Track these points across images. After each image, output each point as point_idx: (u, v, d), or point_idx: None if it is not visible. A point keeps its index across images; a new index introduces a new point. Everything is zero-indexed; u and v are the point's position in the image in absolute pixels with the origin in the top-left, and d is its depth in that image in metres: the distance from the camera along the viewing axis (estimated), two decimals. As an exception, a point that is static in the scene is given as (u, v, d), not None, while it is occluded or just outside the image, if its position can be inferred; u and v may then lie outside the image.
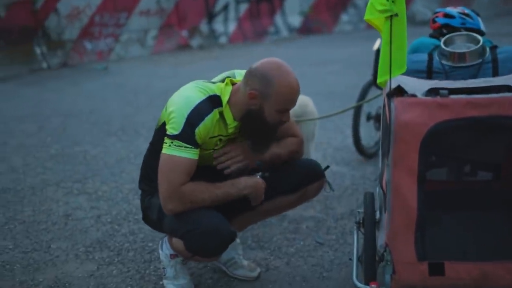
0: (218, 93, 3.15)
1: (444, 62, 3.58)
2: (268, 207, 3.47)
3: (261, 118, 3.11)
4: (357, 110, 5.52)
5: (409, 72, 3.57)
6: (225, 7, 13.72)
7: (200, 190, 3.08)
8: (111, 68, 10.59)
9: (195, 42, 13.01)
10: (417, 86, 3.02)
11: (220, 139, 3.20)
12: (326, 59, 11.33)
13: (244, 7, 14.03)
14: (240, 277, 3.63)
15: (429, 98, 2.68)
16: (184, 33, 12.88)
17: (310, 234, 4.19)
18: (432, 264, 2.71)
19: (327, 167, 3.57)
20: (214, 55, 12.03)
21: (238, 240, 3.71)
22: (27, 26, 10.40)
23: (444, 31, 4.10)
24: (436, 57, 3.64)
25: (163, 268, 3.45)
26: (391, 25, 2.61)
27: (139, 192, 3.47)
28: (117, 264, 3.83)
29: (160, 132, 3.17)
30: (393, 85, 2.82)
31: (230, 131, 3.19)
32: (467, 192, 3.20)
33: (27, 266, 3.82)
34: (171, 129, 3.06)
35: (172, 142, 3.05)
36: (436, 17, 4.20)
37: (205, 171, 3.18)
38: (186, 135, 3.03)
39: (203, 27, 13.32)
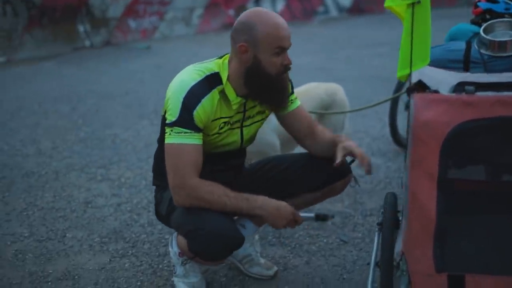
0: (216, 70, 2.95)
1: (483, 51, 3.32)
2: (291, 203, 3.26)
3: (262, 71, 2.88)
4: (395, 98, 5.24)
5: (445, 62, 3.33)
6: (274, -15, 13.48)
7: (209, 190, 2.87)
8: (153, 47, 10.49)
9: (241, 21, 12.80)
10: (445, 79, 2.76)
11: (225, 122, 3.00)
12: (374, 41, 10.99)
13: (293, -15, 13.75)
14: (255, 275, 3.45)
15: (453, 95, 2.42)
16: (231, 12, 12.69)
17: (335, 231, 3.97)
18: (451, 277, 2.46)
19: (353, 160, 3.33)
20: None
21: (257, 237, 3.53)
22: (71, 4, 10.35)
23: (488, 16, 3.81)
24: (474, 45, 3.38)
25: (173, 265, 3.28)
26: (413, 13, 2.35)
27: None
28: (131, 257, 3.69)
29: (163, 122, 2.99)
30: (416, 79, 2.57)
31: (234, 107, 2.98)
32: (499, 194, 2.92)
33: (39, 256, 3.71)
34: (169, 116, 2.88)
35: (171, 130, 2.87)
36: (479, 1, 3.91)
37: (219, 178, 2.99)
38: (184, 120, 2.85)
39: (251, 5, 13.09)
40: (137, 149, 5.52)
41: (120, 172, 4.99)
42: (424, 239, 2.46)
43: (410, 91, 2.48)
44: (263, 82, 2.90)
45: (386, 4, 2.47)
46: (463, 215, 2.52)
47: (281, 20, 2.88)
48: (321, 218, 3.10)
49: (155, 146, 3.27)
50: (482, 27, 3.37)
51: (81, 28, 10.48)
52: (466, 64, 3.36)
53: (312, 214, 3.09)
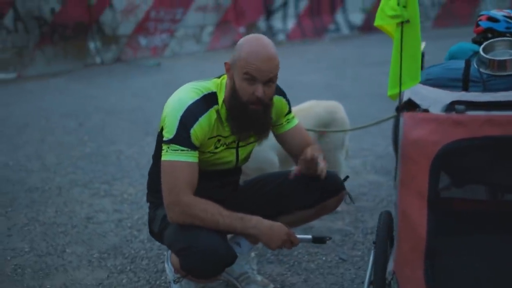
0: (214, 90, 2.97)
1: (482, 70, 3.30)
2: (285, 221, 3.25)
3: (236, 94, 2.88)
4: (399, 115, 5.22)
5: (444, 80, 3.32)
6: (285, 3, 13.54)
7: (203, 208, 2.87)
8: (163, 64, 10.55)
9: (252, 39, 12.85)
10: (439, 98, 2.76)
11: (219, 140, 3.01)
12: (383, 59, 10.93)
13: (304, 3, 13.81)
14: (252, 293, 3.44)
15: (442, 114, 2.42)
16: (241, 29, 12.75)
17: (334, 249, 3.95)
18: (442, 296, 2.45)
19: (346, 177, 3.33)
20: (271, 52, 11.83)
21: (253, 254, 3.52)
22: (82, 21, 10.46)
23: (489, 35, 3.81)
24: (474, 64, 3.37)
25: (169, 282, 3.28)
26: (402, 32, 2.36)
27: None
28: (129, 273, 3.69)
29: (159, 139, 3.01)
30: (407, 97, 2.57)
31: (227, 129, 2.99)
32: (490, 214, 2.90)
33: (38, 271, 3.72)
34: (166, 134, 2.90)
35: (168, 147, 2.88)
36: (480, 20, 3.91)
37: (214, 195, 3.00)
38: (181, 138, 2.86)
39: (261, 23, 13.18)
40: (140, 165, 5.54)
41: (123, 188, 5.01)
42: (415, 258, 2.45)
43: (399, 110, 2.48)
44: (236, 107, 2.91)
45: (376, 23, 2.48)
46: (454, 234, 2.52)
47: (264, 51, 2.85)
48: (318, 240, 3.07)
49: (159, 162, 3.28)
50: (482, 46, 3.35)
51: (91, 45, 10.57)
52: (465, 83, 3.34)
53: (309, 236, 3.07)
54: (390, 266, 2.58)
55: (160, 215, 3.12)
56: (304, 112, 4.12)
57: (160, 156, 2.96)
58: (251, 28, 12.92)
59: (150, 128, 6.71)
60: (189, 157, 2.88)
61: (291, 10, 13.62)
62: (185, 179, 2.88)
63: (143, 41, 11.26)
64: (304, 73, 9.52)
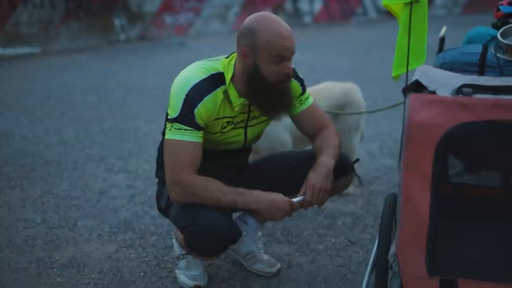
0: (221, 70, 2.94)
1: (499, 55, 3.24)
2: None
3: (261, 77, 2.86)
4: (405, 96, 5.17)
5: (460, 64, 3.27)
6: (313, -15, 13.44)
7: (204, 187, 2.87)
8: (188, 43, 10.54)
9: (278, 20, 12.78)
10: (449, 81, 2.71)
11: (228, 122, 2.99)
12: (410, 44, 10.88)
13: (332, -15, 13.68)
14: (258, 271, 3.44)
15: (449, 96, 2.37)
16: (268, 10, 12.67)
17: (343, 231, 3.94)
18: (444, 281, 2.42)
19: (356, 160, 3.30)
20: (297, 34, 11.67)
21: (260, 233, 3.52)
22: (108, -2, 10.49)
23: (510, 20, 3.74)
24: (491, 49, 3.31)
25: (177, 257, 3.29)
26: (410, 12, 2.32)
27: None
28: (137, 248, 3.71)
29: (166, 117, 3.00)
30: (415, 79, 2.53)
31: (236, 109, 2.97)
32: (494, 199, 2.86)
33: (48, 243, 3.76)
34: (170, 112, 2.89)
35: (172, 126, 2.87)
36: (501, 4, 3.83)
37: (223, 175, 3.00)
38: (185, 117, 2.85)
39: (288, 5, 13.10)
40: (157, 142, 5.47)
41: (138, 164, 5.03)
42: (417, 242, 2.42)
43: (405, 91, 2.44)
44: (261, 88, 2.89)
45: (384, 2, 2.44)
46: (457, 218, 2.48)
47: (284, 29, 2.85)
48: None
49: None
50: (500, 31, 3.30)
51: (117, 22, 10.60)
52: (481, 67, 3.29)
53: (302, 196, 3.02)
54: (393, 249, 2.55)
55: (166, 191, 3.13)
56: (320, 92, 4.09)
57: (165, 134, 2.97)
58: (278, 9, 12.85)
59: (170, 106, 6.72)
60: (193, 136, 2.87)
61: (318, -8, 13.53)
62: (187, 159, 2.87)
63: (168, 19, 11.26)
64: (330, 57, 9.46)
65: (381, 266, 2.64)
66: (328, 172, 3.00)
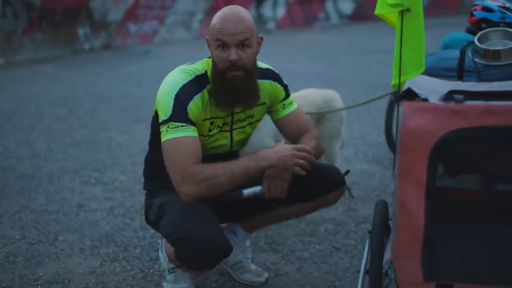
0: (205, 69, 2.95)
1: (477, 60, 3.31)
2: (284, 212, 3.24)
3: (215, 66, 2.87)
4: (391, 105, 5.25)
5: (439, 70, 3.32)
6: (275, -8, 13.49)
7: (213, 168, 2.81)
8: (153, 51, 10.49)
9: (241, 27, 12.80)
10: (436, 87, 2.75)
11: (212, 122, 2.98)
12: (374, 48, 10.99)
13: (294, -9, 13.75)
14: (246, 282, 3.43)
15: (441, 104, 2.40)
16: (231, 17, 12.68)
17: (327, 238, 3.95)
18: (440, 286, 2.44)
19: (347, 172, 3.30)
20: (261, 40, 11.81)
21: (247, 243, 3.51)
22: (71, 7, 10.35)
23: (483, 25, 3.82)
24: (469, 54, 3.37)
25: (163, 270, 3.26)
26: (402, 21, 2.35)
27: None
28: (121, 261, 3.67)
29: (154, 125, 2.98)
30: (406, 87, 2.56)
31: (220, 108, 2.98)
32: (492, 204, 2.91)
33: (30, 259, 3.69)
34: (162, 115, 2.86)
35: (168, 127, 2.84)
36: (474, 10, 3.91)
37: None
38: (179, 114, 2.83)
39: (251, 11, 13.04)
40: (131, 153, 5.51)
41: (114, 175, 4.99)
42: (413, 248, 2.44)
43: (399, 99, 2.47)
44: (215, 79, 2.90)
45: (376, 11, 2.46)
46: (452, 224, 2.51)
47: (233, 14, 2.83)
48: None
49: (148, 150, 3.26)
50: (477, 36, 3.36)
51: (81, 31, 10.49)
52: (460, 72, 3.34)
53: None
54: (387, 255, 2.57)
55: (156, 203, 3.09)
56: (303, 99, 4.12)
57: (156, 142, 2.94)
58: (241, 15, 12.87)
59: (141, 115, 6.67)
60: (190, 131, 2.84)
61: (281, -2, 13.59)
62: (190, 153, 2.83)
63: (132, 27, 11.19)
64: (295, 62, 9.49)
65: (375, 273, 2.66)
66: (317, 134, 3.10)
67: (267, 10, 13.35)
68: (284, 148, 2.90)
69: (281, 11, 13.53)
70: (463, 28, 3.99)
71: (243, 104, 3.01)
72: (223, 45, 2.82)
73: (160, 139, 2.96)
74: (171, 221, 2.94)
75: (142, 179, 4.69)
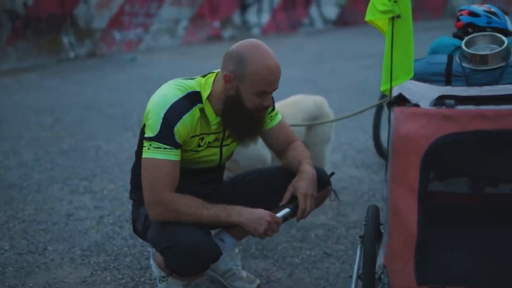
0: (197, 89, 2.94)
1: (464, 64, 3.33)
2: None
3: (240, 104, 2.88)
4: (378, 110, 5.27)
5: (427, 75, 3.34)
6: (260, -2, 13.52)
7: (186, 203, 2.86)
8: (139, 59, 10.46)
9: (227, 33, 12.83)
10: (427, 92, 2.77)
11: (202, 138, 2.99)
12: (359, 53, 11.05)
13: (278, -3, 13.79)
14: (238, 289, 3.43)
15: (433, 109, 2.42)
16: (216, 24, 12.71)
17: (318, 244, 3.96)
18: (433, 290, 2.46)
19: (332, 173, 3.33)
20: (246, 47, 11.81)
21: (237, 250, 3.50)
22: (55, 15, 10.29)
23: (469, 30, 3.84)
24: (456, 59, 3.39)
25: (155, 278, 3.25)
26: (392, 27, 2.36)
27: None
28: (112, 270, 3.66)
29: (142, 135, 2.98)
30: (397, 93, 2.57)
31: (213, 127, 2.98)
32: (482, 207, 2.92)
33: (19, 270, 3.66)
34: (148, 131, 2.86)
35: (150, 145, 2.85)
36: (461, 15, 3.93)
37: (199, 192, 2.99)
38: (164, 136, 2.83)
39: (236, 18, 13.15)
40: (120, 161, 5.50)
41: (103, 184, 4.97)
42: (405, 252, 2.45)
43: (390, 104, 2.48)
44: (238, 114, 2.91)
45: (366, 18, 2.47)
46: (444, 228, 2.53)
47: (274, 63, 2.86)
48: (296, 207, 3.01)
49: (137, 158, 3.24)
50: (464, 41, 3.38)
51: (65, 40, 10.43)
52: (447, 77, 3.36)
53: (287, 209, 3.01)
54: (380, 260, 2.58)
55: (143, 213, 3.09)
56: (294, 105, 4.15)
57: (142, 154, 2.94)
58: (226, 22, 12.89)
59: (129, 123, 6.65)
60: (172, 155, 2.85)
61: (265, 4, 13.60)
62: (167, 178, 2.86)
63: (117, 35, 11.15)
64: (281, 67, 9.42)
65: (368, 278, 2.66)
66: (314, 179, 3.04)
67: (251, 16, 13.36)
68: (260, 213, 2.89)
69: (265, 17, 13.55)
70: (447, 32, 4.02)
71: (251, 139, 3.06)
72: (264, 94, 2.88)
73: None
74: (158, 230, 2.94)
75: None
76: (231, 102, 2.89)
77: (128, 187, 4.71)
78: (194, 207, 2.85)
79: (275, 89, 2.92)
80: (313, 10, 14.43)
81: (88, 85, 8.60)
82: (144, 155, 2.88)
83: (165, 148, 2.84)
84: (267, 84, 2.86)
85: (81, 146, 5.92)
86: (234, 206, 2.91)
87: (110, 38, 11.05)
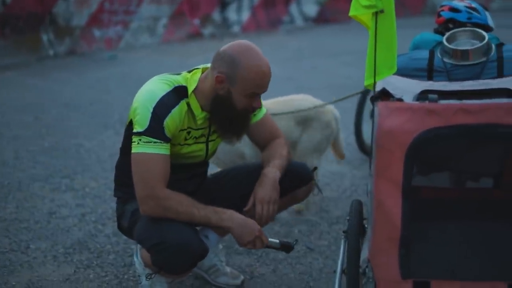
0: (184, 84, 2.95)
1: (446, 60, 3.35)
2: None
3: (230, 104, 2.90)
4: (360, 106, 5.30)
5: (409, 70, 3.36)
6: (240, -5, 13.49)
7: (178, 201, 2.86)
8: (119, 57, 10.41)
9: (206, 31, 12.79)
10: (409, 87, 2.79)
11: (189, 132, 2.99)
12: (340, 50, 11.07)
13: (258, -5, 13.78)
14: (222, 285, 3.44)
15: (416, 103, 2.44)
16: (196, 21, 12.66)
17: (301, 239, 3.97)
18: (417, 283, 2.49)
19: (315, 168, 3.34)
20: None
21: (220, 246, 3.51)
22: (35, 12, 10.19)
23: (450, 25, 3.87)
24: (438, 54, 3.42)
25: (139, 276, 3.24)
26: (376, 22, 2.38)
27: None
28: (95, 268, 3.64)
29: (129, 132, 2.97)
30: (380, 87, 2.59)
31: (199, 122, 2.99)
32: (464, 201, 2.96)
33: (2, 268, 3.64)
34: (137, 126, 2.86)
35: (140, 139, 2.84)
36: (442, 10, 3.97)
37: (185, 187, 3.01)
38: (154, 130, 2.84)
39: (216, 15, 13.11)
40: (101, 159, 5.47)
41: (85, 182, 4.94)
42: (390, 246, 2.48)
43: (374, 99, 2.49)
44: (227, 112, 2.93)
45: (350, 13, 2.48)
46: (428, 222, 2.56)
47: (265, 66, 2.89)
48: (285, 247, 3.06)
49: (119, 156, 3.23)
50: (445, 36, 3.40)
51: (44, 38, 10.35)
52: (429, 72, 3.39)
53: (277, 241, 3.05)
54: (365, 254, 2.60)
55: (129, 210, 3.09)
56: (289, 103, 4.13)
57: (129, 149, 2.93)
58: (206, 20, 12.85)
59: (110, 121, 6.62)
60: (162, 149, 2.86)
61: (245, 2, 13.56)
62: (159, 172, 2.86)
63: (97, 33, 11.07)
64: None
65: (353, 272, 2.68)
66: (274, 183, 3.02)
67: (231, 14, 13.33)
68: (251, 224, 2.91)
69: (245, 15, 13.53)
70: (426, 29, 4.05)
71: (236, 138, 3.08)
72: (254, 95, 2.90)
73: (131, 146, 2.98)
74: (144, 227, 2.94)
75: (113, 185, 4.70)
76: (221, 101, 2.90)
77: (110, 184, 4.74)
78: (186, 206, 2.86)
79: (265, 90, 2.93)
80: (293, 8, 14.43)
81: (68, 83, 8.54)
82: (134, 150, 2.88)
83: (155, 142, 2.85)
84: (258, 87, 2.88)
85: (62, 144, 5.88)
86: (225, 210, 2.92)
87: (90, 36, 10.97)
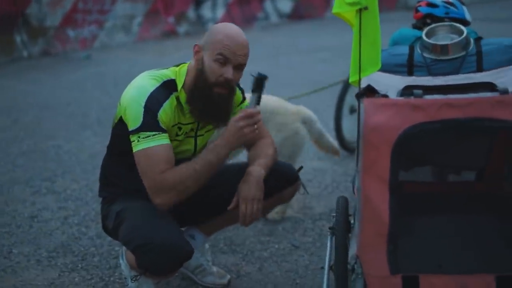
0: (172, 77, 2.96)
1: (426, 55, 3.38)
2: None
3: (204, 75, 2.88)
4: (340, 102, 5.32)
5: (389, 66, 3.37)
6: (214, -8, 13.47)
7: (178, 171, 2.85)
8: (94, 56, 10.34)
9: (181, 28, 12.76)
10: (393, 83, 2.81)
11: (180, 128, 2.99)
12: (316, 47, 11.09)
13: (233, -8, 13.76)
14: (209, 284, 3.43)
15: (401, 99, 2.45)
16: (171, 19, 12.62)
17: (285, 237, 3.98)
18: (406, 278, 2.50)
19: (301, 168, 3.35)
20: (201, 42, 11.77)
21: (207, 246, 3.50)
22: (7, 13, 10.09)
23: (428, 21, 3.89)
24: (417, 49, 3.44)
25: (125, 277, 3.23)
26: (360, 19, 2.38)
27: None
28: (80, 271, 3.62)
29: (116, 130, 2.96)
30: (365, 84, 2.60)
31: (187, 115, 2.98)
32: (447, 195, 2.98)
33: (-15, 274, 3.61)
34: (132, 124, 2.85)
35: (139, 137, 2.83)
36: (419, 6, 3.98)
37: None
38: (149, 124, 2.83)
39: (191, 13, 13.07)
40: (81, 160, 5.43)
41: (65, 184, 4.91)
42: (378, 242, 2.48)
43: (359, 96, 2.50)
44: (202, 88, 2.90)
45: (334, 11, 2.48)
46: (415, 217, 2.57)
47: (236, 34, 2.90)
48: (260, 79, 3.00)
49: (99, 156, 3.23)
50: (424, 31, 3.42)
51: (18, 39, 10.24)
52: (410, 67, 3.41)
53: (252, 96, 2.99)
54: (353, 250, 2.61)
55: (114, 210, 3.06)
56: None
57: (117, 148, 2.92)
58: (181, 17, 12.81)
59: (88, 121, 6.58)
60: (162, 139, 2.85)
61: (220, -1, 13.57)
62: (161, 160, 2.85)
63: (71, 33, 10.98)
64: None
65: (341, 269, 2.69)
66: (258, 181, 3.00)
67: (206, 11, 13.31)
68: (230, 124, 2.91)
69: (220, 12, 13.51)
70: (402, 24, 4.08)
71: (217, 121, 3.03)
72: (224, 61, 2.86)
73: (119, 145, 2.99)
74: (129, 228, 2.92)
75: (94, 186, 4.67)
76: (197, 76, 2.91)
77: (92, 186, 4.72)
78: (185, 168, 2.85)
79: (237, 61, 2.89)
80: (268, 4, 14.43)
81: (43, 84, 8.47)
82: (135, 149, 2.86)
83: (154, 135, 2.84)
84: (226, 48, 2.86)
85: (40, 146, 5.84)
86: (212, 143, 2.93)
87: (64, 36, 10.88)
